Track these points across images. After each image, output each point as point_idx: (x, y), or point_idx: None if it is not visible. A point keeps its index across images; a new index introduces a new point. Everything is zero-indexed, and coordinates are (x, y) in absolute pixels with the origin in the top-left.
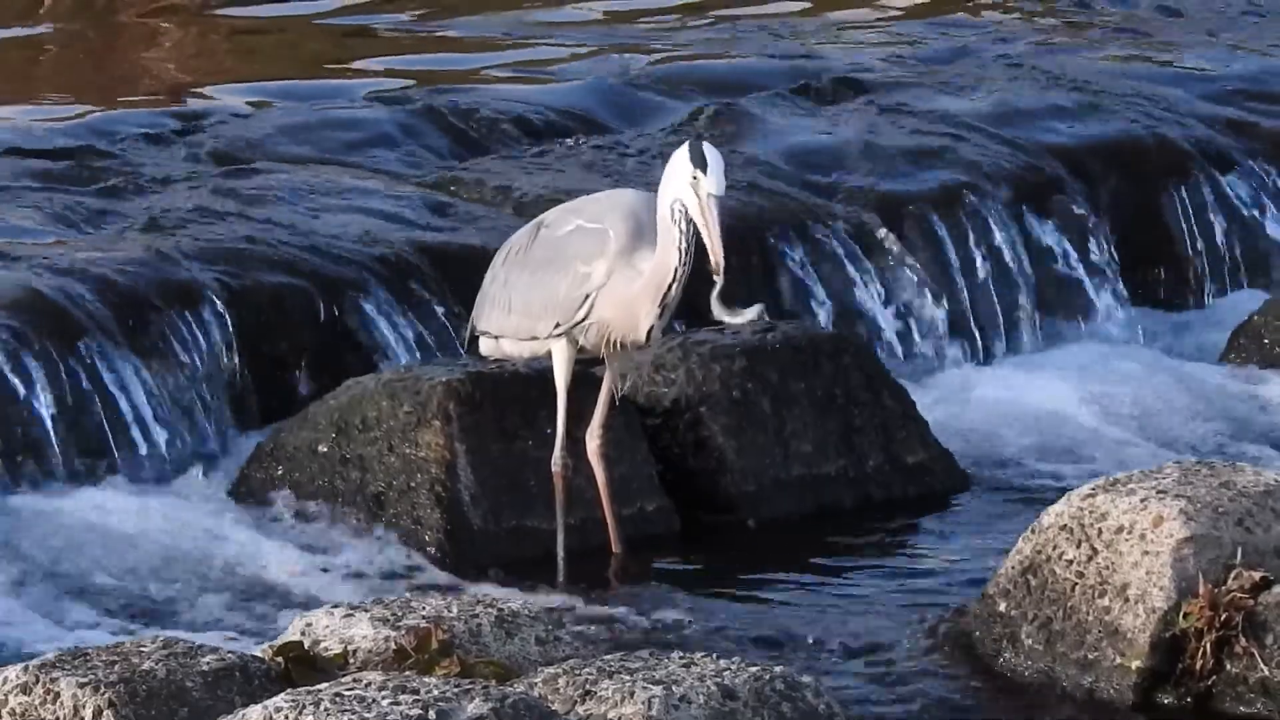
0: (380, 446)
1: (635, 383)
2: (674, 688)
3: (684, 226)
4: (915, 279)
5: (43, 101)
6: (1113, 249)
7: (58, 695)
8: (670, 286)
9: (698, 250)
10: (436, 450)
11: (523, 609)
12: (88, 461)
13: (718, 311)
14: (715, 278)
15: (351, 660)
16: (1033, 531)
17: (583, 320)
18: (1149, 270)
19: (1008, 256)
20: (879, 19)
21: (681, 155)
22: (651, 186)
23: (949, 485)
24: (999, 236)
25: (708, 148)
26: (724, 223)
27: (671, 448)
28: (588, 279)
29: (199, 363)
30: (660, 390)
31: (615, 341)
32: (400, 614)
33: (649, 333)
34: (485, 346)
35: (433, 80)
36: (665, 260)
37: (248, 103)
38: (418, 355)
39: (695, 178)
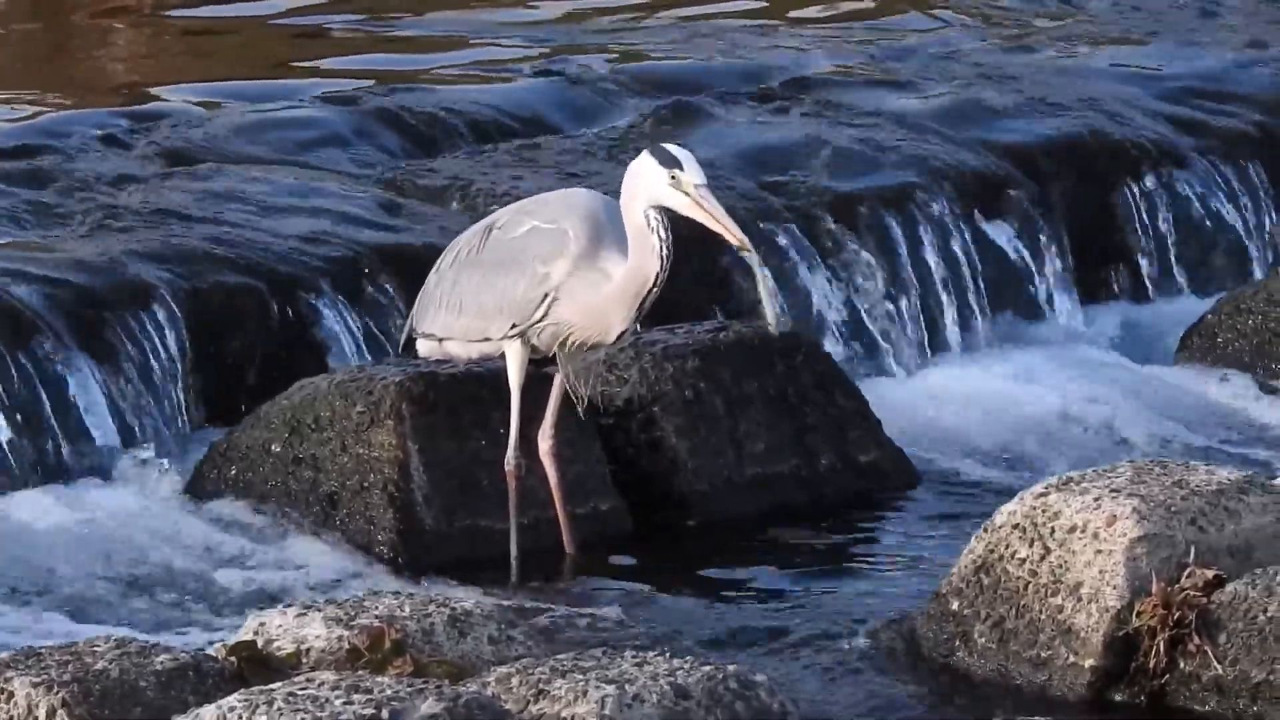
0: (333, 446)
1: (594, 387)
2: (627, 687)
3: (662, 233)
4: (868, 278)
5: None
6: (1065, 247)
7: (11, 695)
8: (650, 290)
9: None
10: (389, 450)
11: (476, 608)
12: (40, 461)
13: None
14: (743, 254)
15: (305, 660)
16: (986, 530)
17: (540, 321)
18: (1101, 269)
19: (960, 255)
20: (833, 18)
21: (646, 162)
22: (604, 186)
23: (902, 484)
24: (952, 235)
25: (671, 146)
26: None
27: (625, 448)
28: (546, 279)
29: (152, 362)
30: (613, 390)
31: (574, 342)
32: (353, 614)
33: (620, 335)
34: (424, 348)
35: (386, 80)
36: (644, 266)
37: (200, 103)
38: (370, 355)
39: (674, 177)
